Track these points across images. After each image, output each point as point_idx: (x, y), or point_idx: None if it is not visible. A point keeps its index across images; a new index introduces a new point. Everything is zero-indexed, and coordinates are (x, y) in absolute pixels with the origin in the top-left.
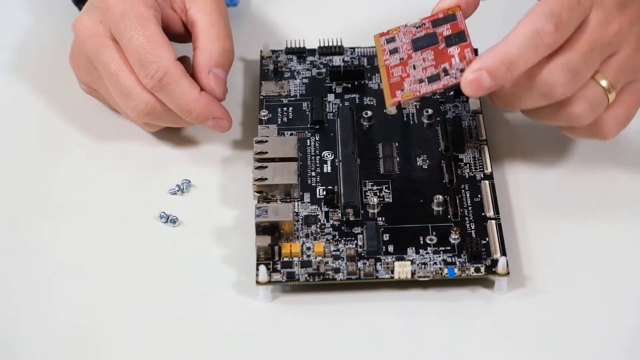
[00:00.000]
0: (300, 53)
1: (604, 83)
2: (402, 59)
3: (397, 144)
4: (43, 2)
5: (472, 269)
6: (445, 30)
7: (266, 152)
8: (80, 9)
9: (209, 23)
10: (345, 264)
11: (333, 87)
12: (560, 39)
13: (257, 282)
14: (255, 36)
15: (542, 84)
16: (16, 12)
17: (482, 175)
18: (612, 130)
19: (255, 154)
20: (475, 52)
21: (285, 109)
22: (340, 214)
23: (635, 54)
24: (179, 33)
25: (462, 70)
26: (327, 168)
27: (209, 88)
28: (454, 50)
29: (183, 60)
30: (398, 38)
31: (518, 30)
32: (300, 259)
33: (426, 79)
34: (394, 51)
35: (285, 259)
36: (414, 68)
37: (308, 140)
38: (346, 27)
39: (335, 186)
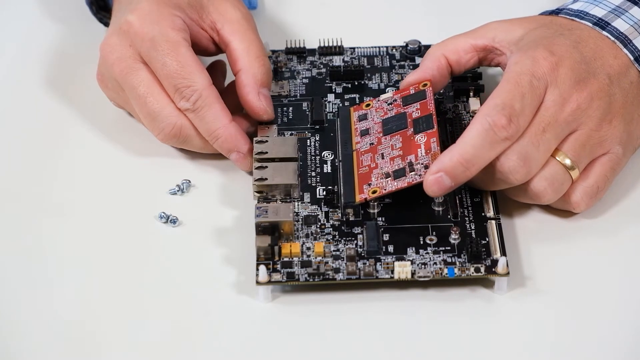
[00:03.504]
0: (300, 53)
1: (566, 161)
2: (372, 143)
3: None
4: None
5: (472, 269)
6: (414, 110)
7: (266, 152)
8: (92, 10)
9: (246, 44)
10: (345, 264)
11: (333, 87)
12: (517, 130)
13: (257, 282)
14: None
15: (497, 171)
16: (19, 7)
17: None
18: (581, 203)
19: (256, 154)
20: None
21: (285, 109)
22: (340, 214)
23: (598, 128)
24: (208, 50)
25: (426, 167)
26: (327, 168)
27: (262, 109)
28: (420, 139)
29: (217, 64)
30: (370, 115)
31: (472, 128)
32: (300, 259)
33: (392, 174)
34: (365, 132)
35: (285, 259)
36: (382, 157)
37: (308, 140)
38: (346, 27)
39: (335, 186)
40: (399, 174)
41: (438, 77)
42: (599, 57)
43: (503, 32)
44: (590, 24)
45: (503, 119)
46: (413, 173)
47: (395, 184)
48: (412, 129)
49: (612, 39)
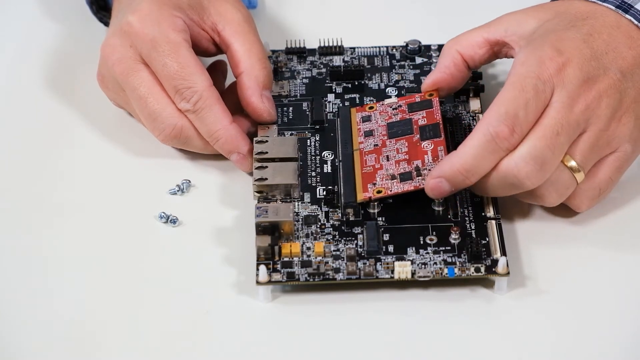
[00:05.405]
0: (301, 53)
1: (572, 163)
2: (377, 145)
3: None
4: None
5: (472, 269)
6: (420, 118)
7: (266, 152)
8: (92, 10)
9: (248, 46)
10: (345, 264)
11: (333, 87)
12: (519, 138)
13: (257, 282)
14: None
15: (510, 176)
16: (19, 7)
17: None
18: (582, 205)
19: (256, 154)
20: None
21: (285, 109)
22: (340, 214)
23: (606, 128)
24: (209, 51)
25: None
26: (327, 168)
27: (265, 111)
28: (427, 145)
29: (218, 64)
30: (374, 117)
31: (474, 136)
32: (300, 259)
33: (398, 176)
34: (369, 134)
35: (285, 259)
36: (387, 159)
37: (308, 140)
38: (346, 27)
39: (335, 186)
40: (405, 177)
41: (457, 74)
42: (611, 49)
43: (515, 24)
44: (613, 7)
45: (505, 130)
46: (420, 178)
47: (402, 186)
48: (418, 135)
49: (636, 22)
